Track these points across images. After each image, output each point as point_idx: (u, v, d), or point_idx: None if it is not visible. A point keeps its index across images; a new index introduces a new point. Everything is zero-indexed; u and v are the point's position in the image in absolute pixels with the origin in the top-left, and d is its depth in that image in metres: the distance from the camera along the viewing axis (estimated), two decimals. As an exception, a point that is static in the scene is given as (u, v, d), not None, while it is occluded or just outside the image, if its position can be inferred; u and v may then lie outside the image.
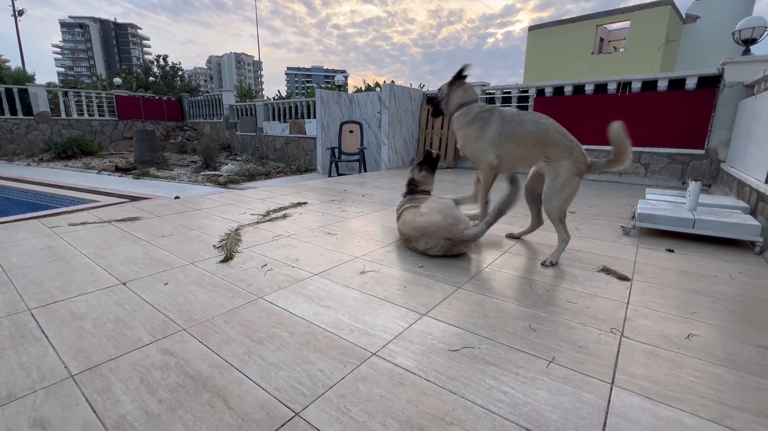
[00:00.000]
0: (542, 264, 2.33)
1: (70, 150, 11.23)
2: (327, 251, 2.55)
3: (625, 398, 1.20)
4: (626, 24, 17.60)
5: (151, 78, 17.97)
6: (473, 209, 2.76)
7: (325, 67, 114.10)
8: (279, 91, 16.33)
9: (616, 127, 2.15)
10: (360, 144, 7.92)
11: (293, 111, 12.10)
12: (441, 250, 2.39)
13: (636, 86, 5.96)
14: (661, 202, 3.47)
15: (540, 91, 6.93)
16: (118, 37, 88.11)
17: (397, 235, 2.92)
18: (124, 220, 3.22)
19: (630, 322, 1.67)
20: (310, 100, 11.49)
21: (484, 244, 2.75)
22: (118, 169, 9.09)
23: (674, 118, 5.67)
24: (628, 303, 1.85)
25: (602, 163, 2.36)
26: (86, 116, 13.42)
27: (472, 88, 2.59)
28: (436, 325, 1.62)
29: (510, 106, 7.30)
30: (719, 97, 5.26)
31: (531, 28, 20.29)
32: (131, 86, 16.52)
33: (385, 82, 8.56)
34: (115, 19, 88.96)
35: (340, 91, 10.66)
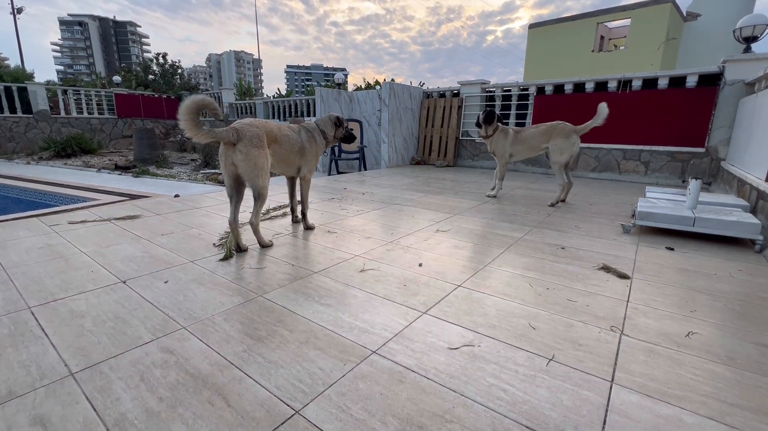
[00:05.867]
0: None
1: (70, 148, 11.22)
2: (327, 249, 2.55)
3: (624, 396, 1.20)
4: (627, 22, 17.56)
5: (150, 76, 17.92)
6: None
7: (324, 65, 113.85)
8: (279, 89, 16.31)
9: None
10: (360, 142, 7.91)
11: (293, 109, 12.09)
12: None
13: (636, 84, 5.95)
14: (661, 200, 3.47)
15: (540, 89, 6.92)
16: (117, 35, 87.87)
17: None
18: (123, 218, 3.22)
19: (630, 320, 1.67)
20: (310, 98, 11.48)
21: (483, 242, 2.75)
22: (118, 168, 9.08)
23: (674, 116, 5.67)
24: (628, 302, 1.85)
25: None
26: (86, 114, 13.40)
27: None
28: (436, 323, 1.62)
29: (510, 104, 7.30)
30: (720, 95, 5.25)
31: (531, 26, 20.25)
32: (131, 84, 16.48)
33: (384, 80, 8.54)
34: (114, 17, 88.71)
35: (339, 89, 10.64)
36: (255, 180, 2.35)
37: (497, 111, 7.39)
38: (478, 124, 4.44)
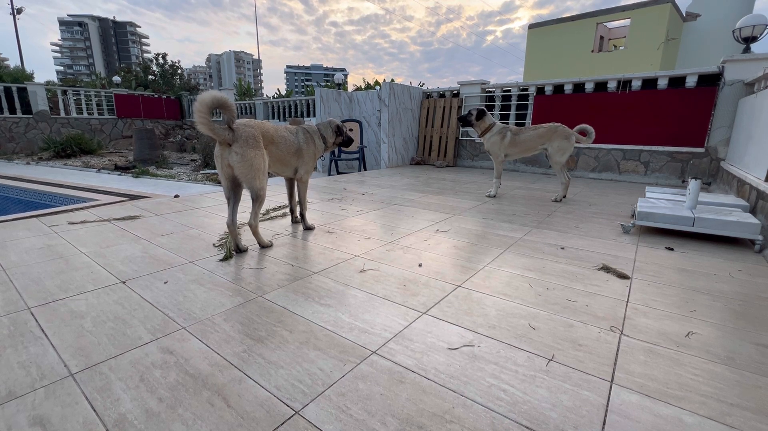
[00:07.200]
0: None
1: (70, 148, 11.21)
2: (327, 249, 2.55)
3: (624, 396, 1.20)
4: (626, 22, 17.56)
5: (150, 76, 17.90)
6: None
7: (324, 65, 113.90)
8: (278, 90, 16.31)
9: None
10: (360, 142, 7.91)
11: (293, 109, 12.09)
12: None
13: (636, 84, 5.95)
14: (660, 200, 3.47)
15: (540, 89, 6.92)
16: (117, 36, 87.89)
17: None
18: (123, 219, 3.22)
19: (629, 320, 1.67)
20: (310, 98, 11.48)
21: (483, 242, 2.75)
22: (118, 168, 9.07)
23: (674, 116, 5.67)
24: (627, 302, 1.85)
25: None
26: (85, 115, 13.39)
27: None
28: (435, 324, 1.62)
29: (510, 104, 7.30)
30: (719, 95, 5.25)
31: (531, 26, 20.25)
32: (130, 85, 16.48)
33: (384, 80, 8.54)
34: (114, 17, 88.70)
35: (339, 89, 10.64)
36: (252, 181, 2.34)
37: (497, 111, 7.43)
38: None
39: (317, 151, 2.94)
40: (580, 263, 2.36)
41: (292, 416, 1.10)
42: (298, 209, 3.14)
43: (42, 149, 11.56)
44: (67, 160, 10.81)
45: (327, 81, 17.52)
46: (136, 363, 1.32)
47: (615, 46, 19.86)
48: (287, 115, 12.14)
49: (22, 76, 13.68)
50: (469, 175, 6.62)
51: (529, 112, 7.02)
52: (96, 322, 1.58)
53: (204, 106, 2.08)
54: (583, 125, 4.26)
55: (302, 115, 11.62)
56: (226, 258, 2.32)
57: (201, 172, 8.83)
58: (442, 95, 8.23)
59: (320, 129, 2.98)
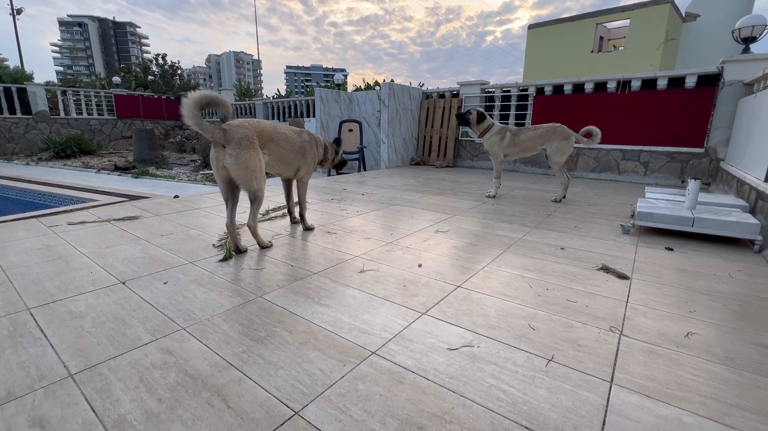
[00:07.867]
0: None
1: (69, 149, 11.21)
2: (326, 250, 2.55)
3: (624, 396, 1.20)
4: (626, 22, 17.57)
5: (150, 77, 17.90)
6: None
7: (323, 66, 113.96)
8: (278, 90, 16.32)
9: None
10: (359, 143, 7.92)
11: (293, 109, 12.10)
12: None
13: (636, 85, 5.96)
14: (660, 201, 3.47)
15: (539, 90, 6.92)
16: (117, 36, 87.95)
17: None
18: (123, 219, 3.22)
19: (629, 321, 1.67)
20: (310, 98, 11.49)
21: (483, 243, 2.75)
22: (117, 168, 9.07)
23: (674, 117, 5.67)
24: (627, 302, 1.85)
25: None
26: (85, 115, 13.39)
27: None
28: (435, 324, 1.62)
29: (510, 104, 7.30)
30: (719, 96, 5.26)
31: (530, 27, 20.27)
32: (130, 85, 16.49)
33: (384, 80, 8.55)
34: (114, 17, 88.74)
35: (339, 89, 10.64)
36: (249, 183, 2.32)
37: (497, 111, 7.44)
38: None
39: (318, 155, 2.95)
40: (579, 263, 2.36)
41: (292, 416, 1.10)
42: (296, 209, 3.14)
43: (41, 149, 11.56)
44: (67, 160, 10.81)
45: (327, 81, 17.53)
46: (135, 364, 1.32)
47: (615, 47, 19.87)
48: (287, 116, 12.14)
49: (21, 76, 13.67)
50: (469, 175, 6.62)
51: (529, 112, 7.03)
52: (95, 323, 1.58)
53: (195, 105, 2.06)
54: (590, 127, 4.20)
55: (302, 116, 11.63)
56: (225, 259, 2.32)
57: (201, 172, 8.83)
58: (441, 95, 8.23)
59: (324, 140, 3.04)
